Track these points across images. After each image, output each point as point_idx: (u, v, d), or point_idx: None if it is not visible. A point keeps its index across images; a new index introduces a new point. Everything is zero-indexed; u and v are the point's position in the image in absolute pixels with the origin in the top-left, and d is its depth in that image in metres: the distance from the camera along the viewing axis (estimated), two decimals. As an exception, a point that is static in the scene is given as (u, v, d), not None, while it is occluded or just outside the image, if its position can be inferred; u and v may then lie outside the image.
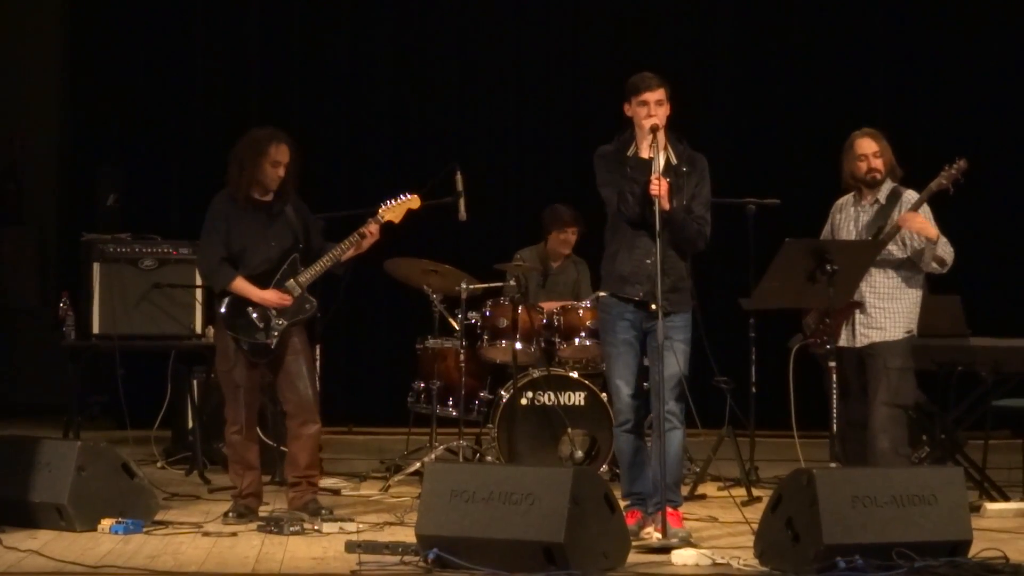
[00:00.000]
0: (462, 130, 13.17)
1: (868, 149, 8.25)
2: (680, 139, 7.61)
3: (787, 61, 13.37)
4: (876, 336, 8.16)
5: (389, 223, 8.29)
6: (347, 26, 13.29)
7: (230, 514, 7.97)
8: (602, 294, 7.68)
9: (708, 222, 7.57)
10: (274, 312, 8.00)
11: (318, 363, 8.97)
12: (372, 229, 8.16)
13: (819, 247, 7.97)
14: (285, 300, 8.01)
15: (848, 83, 13.17)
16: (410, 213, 8.35)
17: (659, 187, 7.27)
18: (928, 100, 13.17)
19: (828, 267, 7.83)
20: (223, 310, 8.02)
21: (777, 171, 12.62)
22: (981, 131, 13.08)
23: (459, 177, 9.13)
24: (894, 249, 8.15)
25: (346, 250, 8.15)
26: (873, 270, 8.15)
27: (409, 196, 8.36)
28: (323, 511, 7.95)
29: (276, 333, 7.99)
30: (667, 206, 7.29)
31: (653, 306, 7.31)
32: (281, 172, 8.04)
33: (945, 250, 8.10)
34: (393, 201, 8.29)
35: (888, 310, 8.18)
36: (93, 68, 13.06)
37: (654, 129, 7.41)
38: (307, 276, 8.09)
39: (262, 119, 12.84)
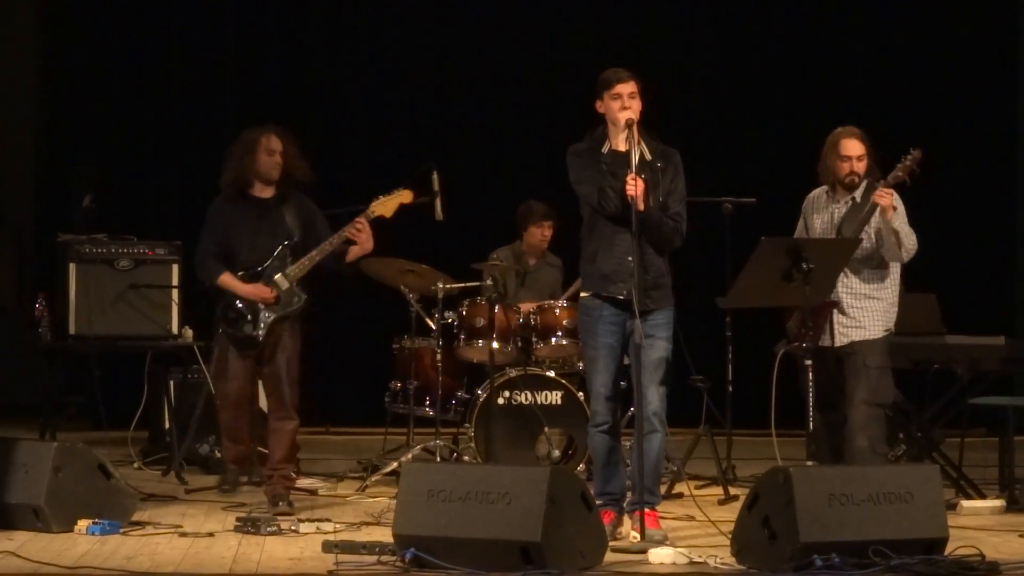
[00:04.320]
0: (438, 129, 13.15)
1: (853, 152, 8.19)
2: (652, 135, 7.55)
3: (764, 59, 13.38)
4: (856, 335, 8.17)
5: (381, 218, 8.31)
6: (324, 24, 13.28)
7: (225, 487, 8.71)
8: (584, 295, 7.60)
9: (684, 218, 7.50)
10: (262, 305, 8.10)
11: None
12: (359, 226, 8.22)
13: (795, 245, 7.96)
14: (263, 292, 8.10)
15: (825, 82, 13.18)
16: (402, 207, 8.40)
17: (635, 187, 7.24)
18: (905, 99, 13.17)
19: (804, 265, 7.81)
20: (219, 307, 8.19)
21: (753, 170, 12.63)
22: (957, 129, 13.11)
23: (435, 176, 9.11)
24: (865, 242, 8.15)
25: (335, 244, 8.19)
26: (849, 271, 8.16)
27: (401, 191, 8.41)
28: (282, 503, 8.01)
29: (263, 326, 8.09)
30: (642, 207, 7.24)
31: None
32: (278, 159, 8.15)
33: (903, 228, 8.07)
34: (384, 196, 8.32)
35: (867, 308, 8.19)
36: (70, 68, 13.02)
37: (629, 123, 7.34)
38: (296, 270, 8.15)
39: (239, 118, 12.94)
